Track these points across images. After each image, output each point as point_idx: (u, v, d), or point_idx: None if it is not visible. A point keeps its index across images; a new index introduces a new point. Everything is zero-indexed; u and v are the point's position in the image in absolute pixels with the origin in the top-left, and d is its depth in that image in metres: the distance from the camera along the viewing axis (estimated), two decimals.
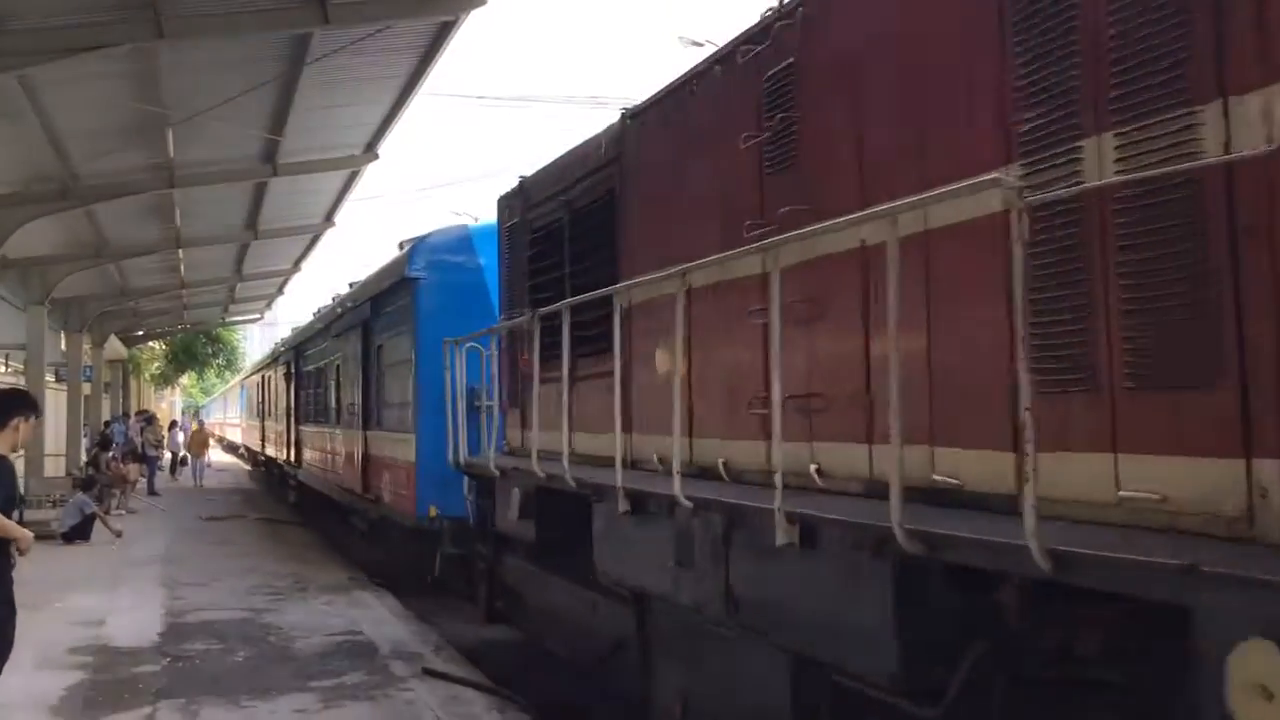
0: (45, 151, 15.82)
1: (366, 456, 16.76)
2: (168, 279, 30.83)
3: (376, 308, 16.79)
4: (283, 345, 29.62)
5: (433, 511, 13.12)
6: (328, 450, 20.84)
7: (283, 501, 27.97)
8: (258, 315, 46.96)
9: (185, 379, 67.49)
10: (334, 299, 22.82)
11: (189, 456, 35.81)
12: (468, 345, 10.05)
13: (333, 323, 20.61)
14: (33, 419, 6.66)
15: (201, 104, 14.57)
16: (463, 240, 14.24)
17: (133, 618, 12.08)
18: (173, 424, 43.31)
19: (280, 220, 24.55)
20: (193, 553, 17.69)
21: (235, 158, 18.64)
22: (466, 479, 10.82)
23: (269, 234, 25.45)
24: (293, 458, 25.82)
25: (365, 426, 16.86)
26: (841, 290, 5.17)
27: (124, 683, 9.26)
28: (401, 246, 16.43)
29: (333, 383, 20.49)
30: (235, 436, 57.40)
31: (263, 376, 35.00)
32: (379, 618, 12.18)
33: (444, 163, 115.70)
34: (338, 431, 19.57)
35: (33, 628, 11.31)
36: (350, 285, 21.09)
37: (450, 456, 10.44)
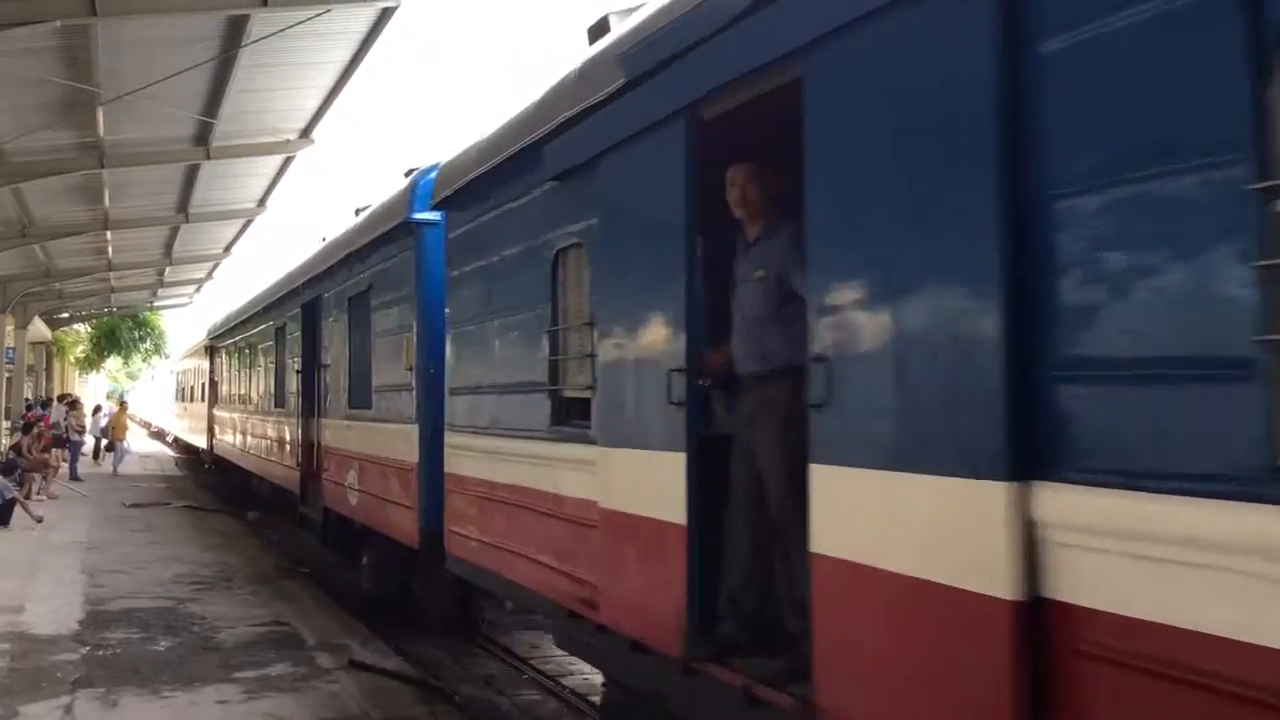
0: None
1: None
2: (95, 260, 30.30)
3: None
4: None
5: None
6: None
7: (207, 488, 27.19)
8: (187, 300, 46.24)
9: (111, 362, 66.23)
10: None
11: (112, 441, 35.04)
12: None
13: None
14: None
15: (134, 83, 14.33)
16: None
17: (52, 605, 11.85)
18: (96, 409, 42.48)
19: (212, 204, 24.24)
20: (115, 539, 17.37)
21: (167, 139, 18.36)
22: None
23: (200, 217, 25.13)
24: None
25: None
26: None
27: (42, 671, 9.07)
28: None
29: None
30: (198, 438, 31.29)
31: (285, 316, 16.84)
32: (305, 609, 12.06)
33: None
34: None
35: None
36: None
37: None
